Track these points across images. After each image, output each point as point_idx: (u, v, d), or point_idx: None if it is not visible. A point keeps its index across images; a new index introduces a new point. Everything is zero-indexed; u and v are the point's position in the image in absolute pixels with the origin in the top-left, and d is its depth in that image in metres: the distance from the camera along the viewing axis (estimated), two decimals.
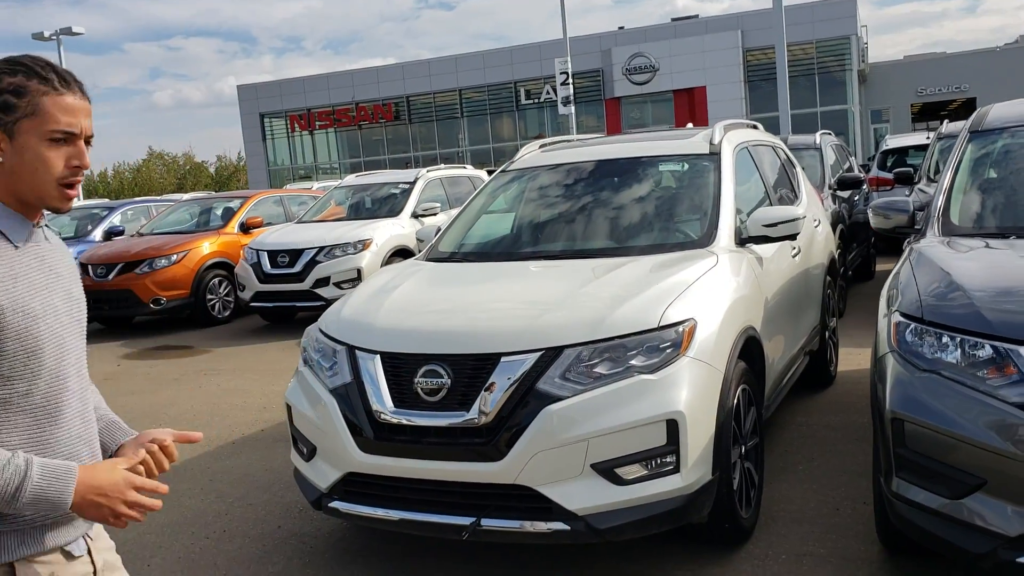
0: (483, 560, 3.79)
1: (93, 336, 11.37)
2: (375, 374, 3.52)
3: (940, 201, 3.95)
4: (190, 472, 5.35)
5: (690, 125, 6.10)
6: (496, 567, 3.73)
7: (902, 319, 3.14)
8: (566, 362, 3.30)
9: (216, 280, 11.30)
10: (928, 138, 13.57)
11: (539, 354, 3.31)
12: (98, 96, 30.80)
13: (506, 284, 4.03)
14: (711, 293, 3.67)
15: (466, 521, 3.33)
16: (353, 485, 3.60)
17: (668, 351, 3.35)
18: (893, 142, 13.65)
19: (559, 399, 3.23)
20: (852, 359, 6.78)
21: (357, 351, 3.63)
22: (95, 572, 1.86)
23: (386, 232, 10.39)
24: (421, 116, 45.96)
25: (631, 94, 40.64)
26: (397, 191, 11.40)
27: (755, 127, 5.92)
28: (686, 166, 4.74)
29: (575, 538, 3.27)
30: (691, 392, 3.31)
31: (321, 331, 3.95)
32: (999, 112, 4.40)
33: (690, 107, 39.63)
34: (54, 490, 1.64)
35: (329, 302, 9.85)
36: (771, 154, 5.74)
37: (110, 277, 10.85)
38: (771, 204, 5.11)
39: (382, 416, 3.43)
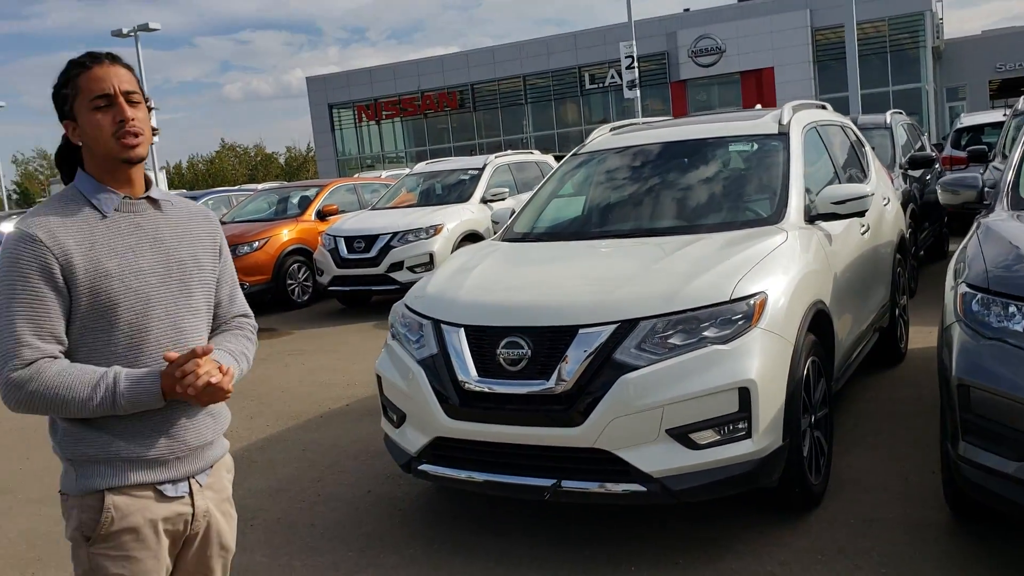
0: (561, 522, 4.01)
1: None
2: (460, 346, 3.75)
3: (1009, 176, 4.02)
4: (284, 443, 5.69)
5: (758, 107, 6.18)
6: (572, 528, 3.94)
7: (968, 290, 3.25)
8: (641, 333, 3.49)
9: (295, 265, 11.73)
10: (1005, 115, 13.29)
11: (615, 326, 3.50)
12: (170, 90, 32.03)
13: (580, 261, 4.23)
14: (781, 268, 3.81)
15: (547, 483, 3.56)
16: (440, 449, 3.84)
17: (740, 323, 3.51)
18: (968, 120, 13.41)
19: (635, 368, 3.43)
20: (923, 337, 6.80)
21: (442, 325, 3.87)
22: (194, 515, 2.09)
23: (456, 217, 10.65)
24: (485, 103, 46.21)
25: (697, 76, 40.25)
26: (466, 177, 11.66)
27: (823, 107, 5.99)
28: (755, 146, 4.86)
29: (650, 499, 3.46)
30: (762, 361, 3.47)
31: (407, 307, 4.20)
32: None
33: (757, 89, 39.08)
34: (145, 393, 1.91)
35: (403, 285, 10.19)
36: (840, 134, 5.81)
37: None
38: (840, 183, 5.19)
39: (467, 385, 3.67)
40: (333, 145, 50.44)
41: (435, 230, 10.34)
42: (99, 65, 1.99)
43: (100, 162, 2.02)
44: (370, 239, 10.44)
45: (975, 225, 3.94)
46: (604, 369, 3.46)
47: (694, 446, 3.42)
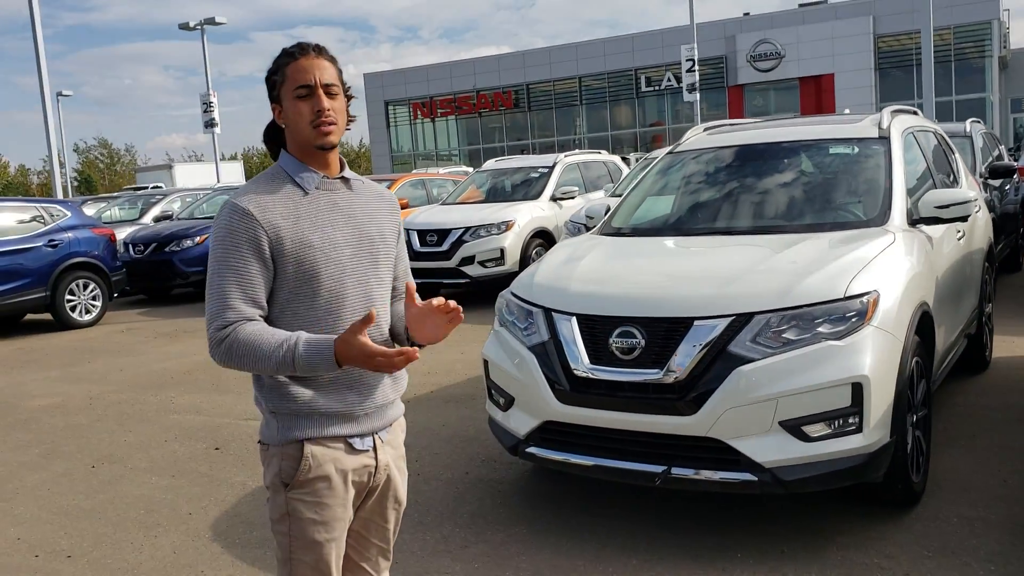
0: (661, 509, 4.12)
1: None
2: (572, 334, 3.88)
3: None
4: None
5: (847, 111, 6.22)
6: (673, 514, 4.04)
7: None
8: (756, 327, 3.58)
9: None
10: None
11: (730, 319, 3.60)
12: (226, 83, 32.64)
13: (690, 256, 4.33)
14: (890, 268, 3.88)
15: (658, 469, 3.67)
16: (549, 433, 3.98)
17: (853, 320, 3.59)
18: None
19: (750, 361, 3.52)
20: (1004, 346, 6.79)
21: (554, 313, 4.00)
22: (376, 468, 2.26)
23: (527, 214, 10.79)
24: (540, 104, 46.40)
25: (755, 81, 40.05)
26: (536, 175, 11.81)
27: (915, 113, 6.01)
28: (856, 149, 4.92)
29: (761, 488, 3.55)
30: (874, 358, 3.54)
31: (515, 295, 4.34)
32: None
33: (816, 95, 38.77)
34: (321, 358, 2.03)
35: (474, 279, 10.39)
36: (933, 140, 5.84)
37: None
38: (935, 187, 5.23)
39: (578, 371, 3.80)
40: (388, 141, 51.01)
41: (506, 226, 10.50)
42: (305, 57, 2.16)
43: (300, 143, 2.20)
44: (443, 233, 10.62)
45: None
46: (718, 360, 3.56)
47: (806, 438, 3.50)
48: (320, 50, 2.19)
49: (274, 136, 2.30)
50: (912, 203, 4.60)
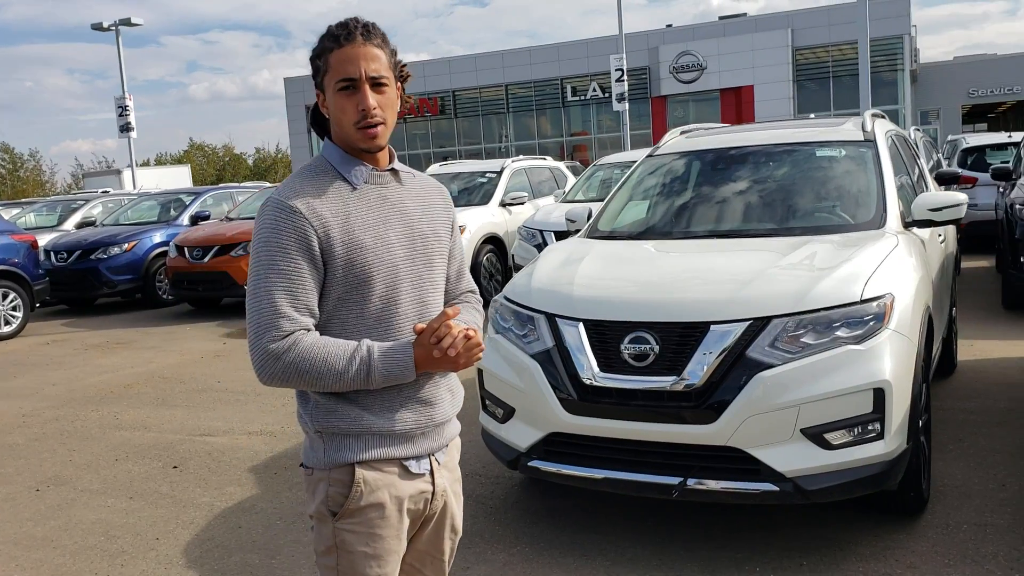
0: (665, 521, 3.96)
1: (190, 317, 11.70)
2: (579, 340, 3.69)
3: None
4: None
5: (812, 115, 6.21)
6: (681, 528, 3.89)
7: None
8: (774, 332, 3.45)
9: None
10: (1010, 136, 13.58)
11: (747, 323, 3.47)
12: (135, 88, 31.48)
13: (696, 259, 4.19)
14: (899, 271, 3.80)
15: (674, 481, 3.50)
16: (554, 445, 3.78)
17: (871, 323, 3.49)
18: (973, 141, 13.77)
19: (770, 366, 3.39)
20: (963, 350, 6.87)
21: (557, 319, 3.81)
22: (434, 494, 2.02)
23: (478, 219, 10.58)
24: (466, 111, 46.20)
25: (677, 92, 40.60)
26: (484, 180, 11.60)
27: (884, 117, 6.03)
28: (843, 152, 4.87)
29: (782, 499, 3.42)
30: (894, 363, 3.45)
31: (510, 300, 4.13)
32: None
33: (737, 106, 39.52)
34: (401, 367, 1.86)
35: None
36: (905, 144, 5.86)
37: (206, 259, 11.14)
38: (914, 190, 5.23)
39: (588, 380, 3.61)
40: (309, 146, 50.05)
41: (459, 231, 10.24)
42: (351, 44, 1.89)
43: (343, 140, 1.96)
44: None
45: None
46: (737, 367, 3.42)
47: (828, 446, 3.39)
48: (368, 34, 1.92)
49: (320, 120, 2.05)
50: (904, 206, 4.57)
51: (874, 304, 3.53)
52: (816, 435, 3.38)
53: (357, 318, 1.91)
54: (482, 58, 44.92)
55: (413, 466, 1.98)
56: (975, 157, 13.04)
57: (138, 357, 8.95)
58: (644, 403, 3.55)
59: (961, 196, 4.50)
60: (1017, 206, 8.08)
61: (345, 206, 1.91)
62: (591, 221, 5.14)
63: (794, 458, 3.38)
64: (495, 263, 10.73)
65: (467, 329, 1.89)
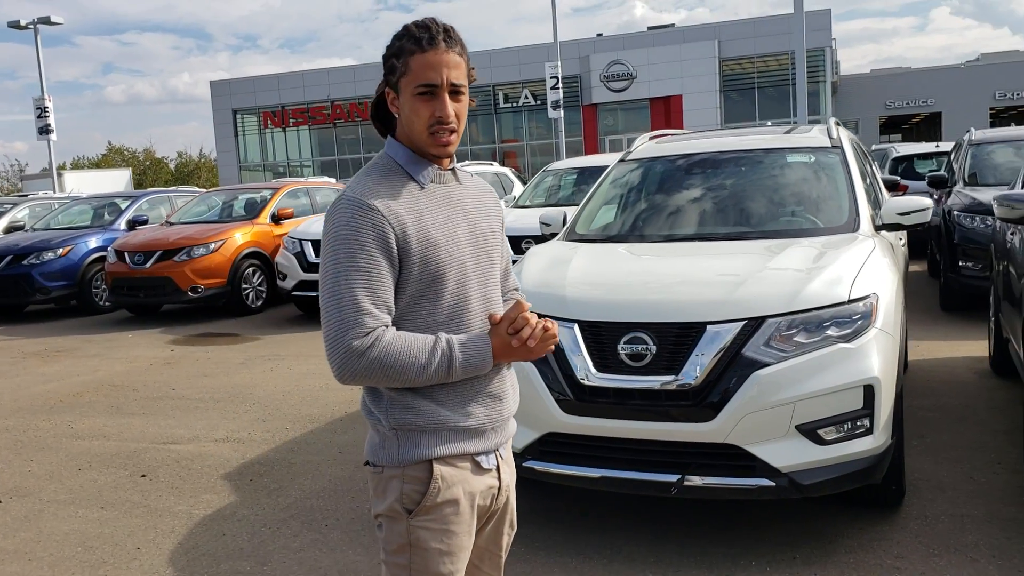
0: (657, 519, 4.02)
1: (130, 324, 11.38)
2: (575, 342, 3.73)
3: None
4: (314, 445, 5.50)
5: (769, 123, 6.38)
6: (674, 526, 3.95)
7: None
8: (768, 331, 3.55)
9: (251, 269, 11.35)
10: (937, 146, 14.16)
11: (743, 323, 3.55)
12: (48, 89, 30.48)
13: (685, 261, 4.27)
14: (880, 272, 3.94)
15: (672, 478, 3.56)
16: (549, 445, 3.80)
17: (859, 322, 3.61)
18: (903, 150, 14.33)
19: (766, 365, 3.48)
20: (910, 350, 7.13)
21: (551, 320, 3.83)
22: (499, 489, 2.05)
23: None
24: None
25: (608, 101, 41.11)
26: None
27: (841, 125, 6.23)
28: (812, 158, 5.02)
29: (778, 493, 3.51)
30: (882, 360, 3.58)
31: None
32: None
33: (666, 115, 40.20)
34: (478, 356, 1.89)
35: None
36: (862, 151, 6.06)
37: (148, 265, 10.86)
38: (876, 195, 5.41)
39: (585, 380, 3.65)
40: (235, 151, 49.16)
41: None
42: (434, 50, 1.88)
43: (412, 142, 1.96)
44: None
45: None
46: (734, 365, 3.50)
47: (821, 442, 3.49)
48: (450, 39, 1.91)
49: (382, 114, 2.05)
50: (871, 209, 4.73)
51: (861, 304, 3.66)
52: (810, 431, 3.48)
53: (430, 315, 1.92)
54: None
55: (484, 461, 1.99)
56: (905, 166, 13.56)
57: (82, 365, 8.66)
58: (641, 402, 3.60)
59: (927, 201, 4.68)
60: (955, 212, 8.43)
61: (416, 204, 1.92)
62: (568, 224, 5.19)
63: (789, 454, 3.48)
64: None
65: (545, 320, 1.92)
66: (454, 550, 1.94)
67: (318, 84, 46.33)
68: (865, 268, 3.87)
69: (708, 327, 3.57)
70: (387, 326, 1.86)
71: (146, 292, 10.99)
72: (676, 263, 4.26)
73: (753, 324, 3.56)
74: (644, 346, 3.61)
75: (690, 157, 5.25)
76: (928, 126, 49.64)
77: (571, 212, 5.45)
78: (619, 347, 3.65)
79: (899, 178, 10.71)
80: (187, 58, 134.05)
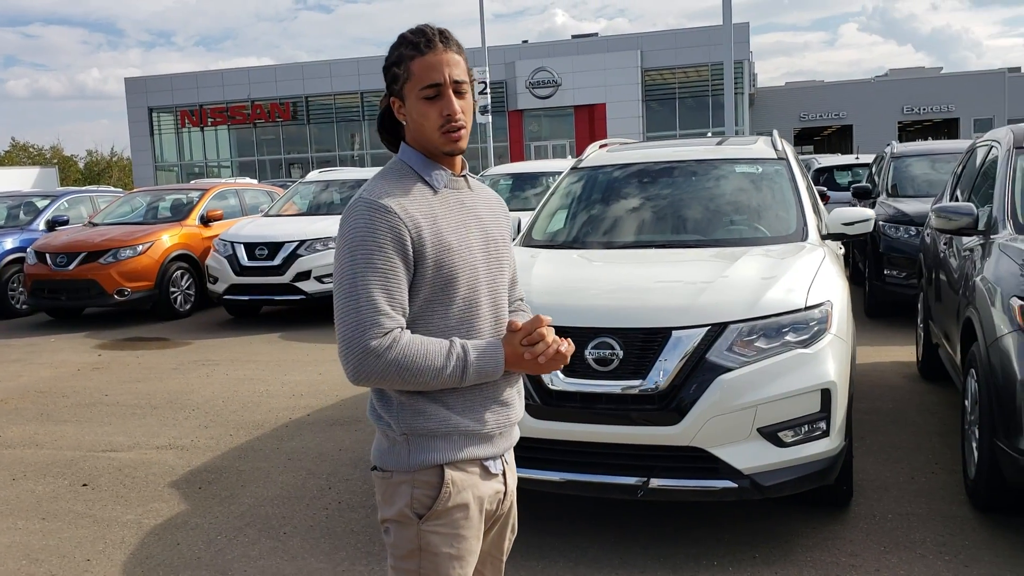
0: (620, 522, 4.08)
1: (51, 328, 10.97)
2: None
3: (1007, 206, 4.51)
4: (261, 452, 5.40)
5: (709, 133, 6.54)
6: (635, 529, 4.02)
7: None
8: (731, 336, 3.64)
9: (179, 272, 11.06)
10: (857, 158, 14.69)
11: (707, 329, 3.64)
12: None
13: (647, 268, 4.34)
14: (832, 280, 4.08)
15: (637, 481, 3.63)
16: (515, 450, 3.80)
17: (815, 328, 3.74)
18: (824, 161, 14.82)
19: (729, 370, 3.57)
20: None
21: None
22: (505, 494, 2.08)
23: None
24: (319, 117, 45.45)
25: (533, 107, 41.42)
26: None
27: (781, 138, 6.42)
28: (760, 169, 5.17)
29: (740, 495, 3.61)
30: (837, 364, 3.71)
31: None
32: None
33: (590, 123, 40.71)
34: (491, 362, 1.90)
35: (310, 296, 9.93)
36: (802, 164, 6.26)
37: (71, 267, 10.49)
38: (816, 205, 5.60)
39: (552, 385, 3.69)
40: (151, 150, 47.86)
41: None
42: (433, 52, 1.91)
43: (424, 146, 1.98)
44: (275, 246, 10.05)
45: (981, 249, 4.38)
46: (698, 370, 3.59)
47: (781, 444, 3.60)
48: (447, 40, 1.95)
49: (389, 125, 2.06)
50: (816, 219, 4.90)
51: (816, 311, 3.78)
52: (771, 434, 3.59)
53: (441, 319, 1.93)
54: (337, 64, 44.33)
55: (492, 466, 2.01)
56: (826, 176, 14.04)
57: (3, 371, 8.32)
58: (608, 406, 3.66)
59: (870, 212, 4.87)
60: (880, 223, 8.76)
61: (431, 208, 1.94)
62: (524, 231, 5.22)
63: (751, 456, 3.58)
64: None
65: (564, 340, 1.95)
66: (464, 554, 1.95)
67: (238, 83, 45.46)
68: (818, 276, 4.01)
69: (673, 332, 3.64)
70: (403, 328, 1.87)
71: (69, 295, 10.60)
72: (638, 270, 4.33)
73: (716, 329, 3.65)
74: (611, 351, 3.66)
75: (642, 166, 5.34)
76: (840, 138, 51.49)
77: (523, 218, 5.49)
78: (586, 352, 3.69)
79: (824, 188, 11.09)
80: (96, 53, 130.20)
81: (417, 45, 1.92)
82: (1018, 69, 49.12)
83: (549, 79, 40.81)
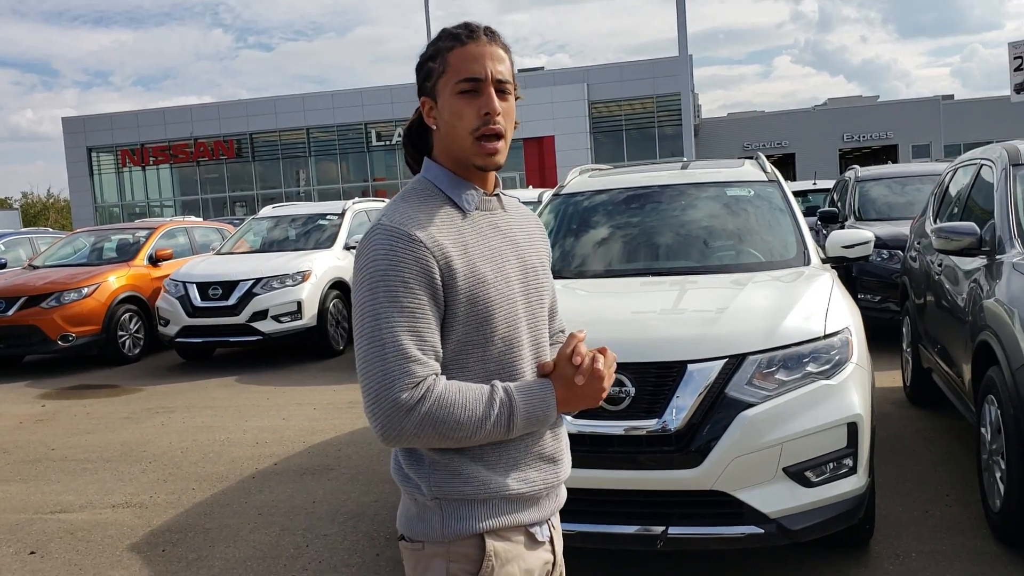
0: (622, 567, 3.77)
1: None
2: None
3: (1012, 225, 4.35)
4: (228, 507, 4.98)
5: (683, 159, 6.35)
6: (640, 573, 3.72)
7: None
8: (750, 369, 3.38)
9: (127, 315, 10.53)
10: (814, 184, 14.75)
11: (724, 361, 3.37)
12: None
13: (652, 297, 4.06)
14: (845, 305, 3.86)
15: (656, 530, 3.33)
16: None
17: (837, 357, 3.50)
18: None
19: (751, 405, 3.31)
20: None
21: None
22: (554, 564, 1.79)
23: (324, 263, 10.08)
24: (264, 154, 44.81)
25: None
26: (325, 223, 11.11)
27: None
28: (752, 191, 4.96)
29: (767, 540, 3.33)
30: (860, 396, 3.47)
31: None
32: None
33: (539, 155, 40.74)
34: (542, 404, 1.63)
35: (267, 336, 9.50)
36: None
37: (10, 312, 9.89)
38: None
39: None
40: (91, 190, 46.67)
41: (303, 276, 9.70)
42: (476, 42, 1.65)
43: (455, 156, 1.69)
44: (229, 285, 9.60)
45: (993, 268, 4.21)
46: (718, 406, 3.32)
47: (808, 484, 3.34)
48: (493, 34, 1.69)
49: (417, 139, 1.77)
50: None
51: (836, 338, 3.55)
52: (797, 473, 3.32)
53: (478, 362, 1.64)
54: (282, 100, 43.83)
55: (538, 533, 1.73)
56: None
57: None
58: (621, 449, 3.37)
59: (868, 234, 4.69)
60: None
61: (461, 234, 1.65)
62: None
63: (776, 498, 3.30)
64: (341, 309, 10.24)
65: (597, 354, 1.67)
66: None
67: (180, 121, 44.67)
68: (832, 302, 3.78)
69: (689, 366, 3.37)
70: (437, 374, 1.58)
71: (8, 342, 9.99)
72: (642, 299, 4.06)
73: (734, 362, 3.38)
74: (622, 388, 3.38)
75: (629, 191, 5.10)
76: (781, 166, 52.34)
77: None
78: None
79: None
80: (30, 94, 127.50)
81: (458, 36, 1.66)
82: (951, 97, 50.63)
83: None
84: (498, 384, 1.61)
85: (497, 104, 1.64)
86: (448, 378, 1.61)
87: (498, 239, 1.71)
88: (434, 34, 1.72)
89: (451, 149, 1.68)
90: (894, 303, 7.87)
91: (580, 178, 5.54)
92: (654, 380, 3.38)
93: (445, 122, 1.66)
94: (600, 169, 5.85)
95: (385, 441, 1.56)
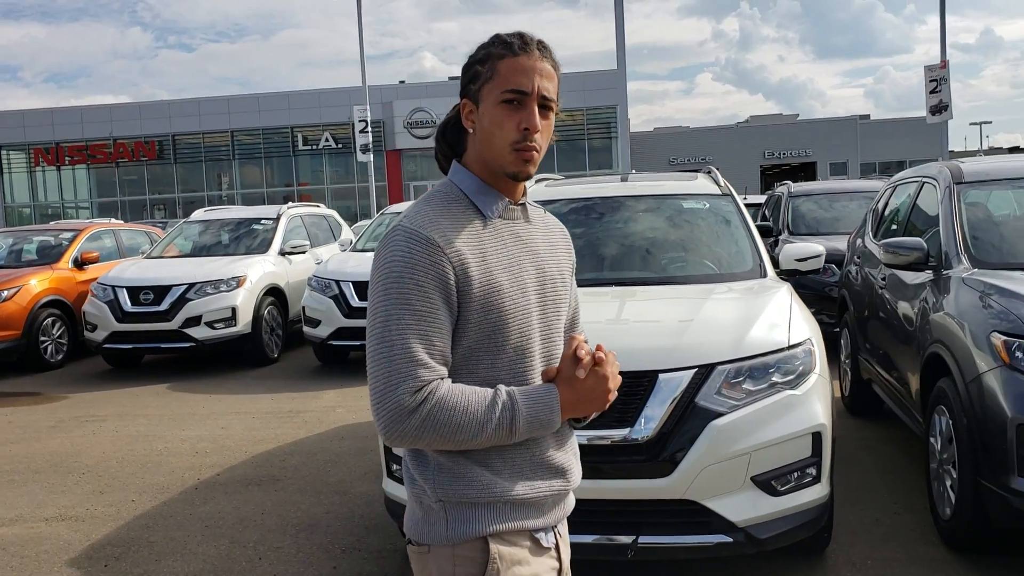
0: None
1: None
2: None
3: (958, 241, 4.50)
4: (173, 520, 4.81)
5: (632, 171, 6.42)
6: None
7: (1007, 338, 3.56)
8: (719, 379, 3.42)
9: (50, 320, 10.12)
10: (744, 198, 15.05)
11: (694, 371, 3.40)
12: None
13: (618, 306, 4.07)
14: (804, 316, 3.94)
15: (626, 540, 3.33)
16: None
17: (801, 368, 3.56)
18: None
19: (720, 414, 3.34)
20: None
21: None
22: (561, 571, 1.79)
23: (259, 269, 9.86)
24: (186, 156, 43.76)
25: (412, 147, 41.13)
26: (259, 227, 10.88)
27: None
28: (707, 204, 5.03)
29: (735, 549, 3.36)
30: (823, 405, 3.54)
31: None
32: (971, 168, 5.09)
33: None
34: (545, 409, 1.62)
35: (200, 343, 9.24)
36: None
37: None
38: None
39: None
40: (0, 191, 44.86)
41: (238, 282, 9.47)
42: (527, 55, 1.65)
43: (488, 162, 1.69)
44: (161, 290, 9.31)
45: (948, 281, 4.33)
46: (689, 415, 3.34)
47: (775, 492, 3.39)
48: (545, 49, 1.68)
49: (451, 137, 1.75)
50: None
51: (800, 349, 3.61)
52: (765, 482, 3.37)
53: (488, 370, 1.64)
54: (207, 102, 42.88)
55: (543, 539, 1.73)
56: None
57: None
58: (592, 458, 3.30)
59: (819, 247, 4.80)
60: None
61: (481, 242, 1.65)
62: None
63: (744, 507, 3.35)
64: (276, 316, 10.04)
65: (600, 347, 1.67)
66: None
67: (99, 120, 43.28)
68: (793, 314, 3.85)
69: (660, 375, 3.39)
70: (443, 378, 1.58)
71: None
72: (610, 309, 4.06)
73: (704, 372, 3.42)
74: None
75: (588, 201, 5.12)
76: None
77: None
78: None
79: None
80: None
81: (511, 45, 1.65)
82: (868, 116, 52.47)
83: (427, 119, 40.64)
84: (502, 388, 1.61)
85: (538, 121, 1.64)
86: (456, 382, 1.61)
87: (518, 248, 1.70)
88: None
89: (484, 156, 1.68)
90: (827, 315, 8.07)
91: (537, 187, 5.53)
92: (625, 390, 3.34)
93: (484, 128, 1.66)
94: (555, 180, 5.85)
95: (388, 441, 1.58)
